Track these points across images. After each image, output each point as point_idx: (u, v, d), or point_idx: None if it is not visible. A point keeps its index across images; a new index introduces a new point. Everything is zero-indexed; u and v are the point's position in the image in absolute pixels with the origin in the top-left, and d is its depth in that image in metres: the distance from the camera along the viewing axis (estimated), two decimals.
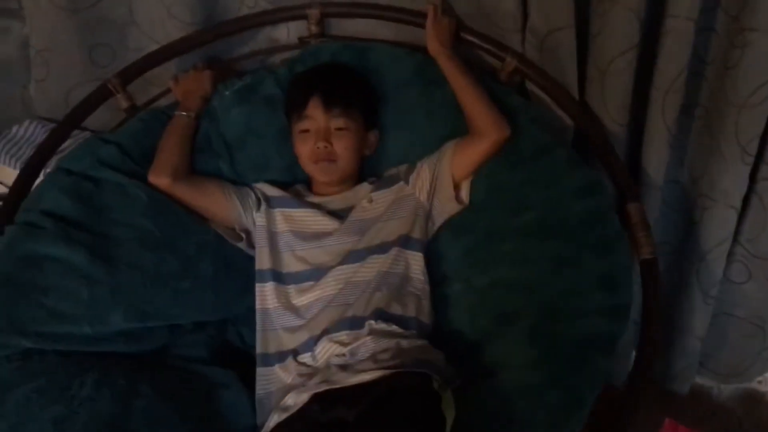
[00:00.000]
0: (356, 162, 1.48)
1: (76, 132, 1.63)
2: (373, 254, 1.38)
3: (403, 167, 1.50)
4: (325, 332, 1.30)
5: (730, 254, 1.55)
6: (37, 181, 1.45)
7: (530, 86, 1.54)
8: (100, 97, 1.56)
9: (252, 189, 1.48)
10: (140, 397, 1.18)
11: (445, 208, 1.44)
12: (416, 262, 1.39)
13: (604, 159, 1.47)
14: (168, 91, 1.58)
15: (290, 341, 1.34)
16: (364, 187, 1.49)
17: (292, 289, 1.39)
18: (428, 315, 1.36)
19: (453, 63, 1.47)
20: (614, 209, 1.38)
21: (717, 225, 1.49)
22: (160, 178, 1.39)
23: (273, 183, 1.50)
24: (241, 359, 1.40)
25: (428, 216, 1.45)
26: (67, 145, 1.57)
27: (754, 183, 1.47)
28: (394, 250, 1.38)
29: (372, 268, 1.37)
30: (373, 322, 1.28)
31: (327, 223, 1.43)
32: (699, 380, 1.80)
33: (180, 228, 1.38)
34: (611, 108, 1.45)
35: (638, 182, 1.50)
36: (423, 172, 1.45)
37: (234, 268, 1.43)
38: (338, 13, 1.59)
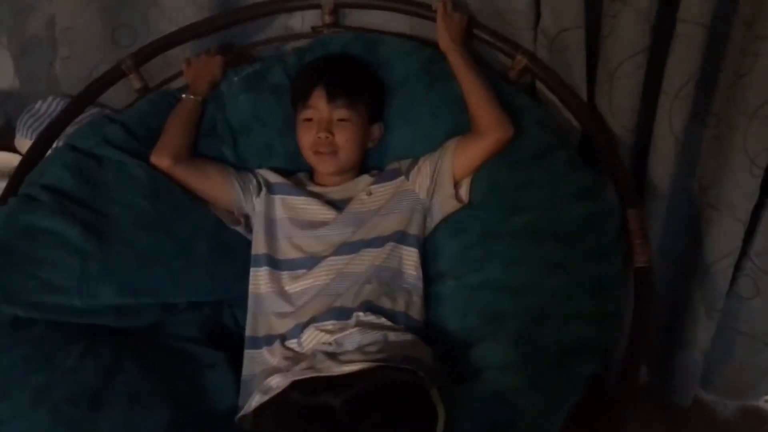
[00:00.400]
0: (358, 154, 1.48)
1: (96, 110, 1.66)
2: (367, 247, 1.38)
3: (405, 162, 1.50)
4: (312, 320, 1.31)
5: (738, 268, 1.51)
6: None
7: (539, 86, 1.52)
8: (114, 76, 1.59)
9: (254, 174, 1.50)
10: (123, 372, 1.20)
11: (444, 205, 1.43)
12: (411, 257, 1.39)
13: (608, 163, 1.44)
14: (181, 73, 1.61)
15: (279, 326, 1.35)
16: (365, 179, 1.49)
17: (285, 275, 1.40)
18: (419, 311, 1.36)
19: (462, 59, 1.46)
20: (614, 214, 1.36)
21: (723, 238, 1.45)
22: (161, 160, 1.41)
23: (276, 170, 1.51)
24: (233, 342, 1.41)
25: (426, 212, 1.44)
26: (80, 119, 1.61)
27: (765, 196, 1.42)
28: (389, 245, 1.38)
29: (364, 260, 1.37)
30: (361, 313, 1.29)
31: (325, 213, 1.44)
32: (704, 396, 1.76)
33: (178, 210, 1.40)
34: (618, 112, 1.43)
35: (643, 189, 1.47)
36: (424, 168, 1.45)
37: (232, 252, 1.45)
38: (352, 4, 1.59)
